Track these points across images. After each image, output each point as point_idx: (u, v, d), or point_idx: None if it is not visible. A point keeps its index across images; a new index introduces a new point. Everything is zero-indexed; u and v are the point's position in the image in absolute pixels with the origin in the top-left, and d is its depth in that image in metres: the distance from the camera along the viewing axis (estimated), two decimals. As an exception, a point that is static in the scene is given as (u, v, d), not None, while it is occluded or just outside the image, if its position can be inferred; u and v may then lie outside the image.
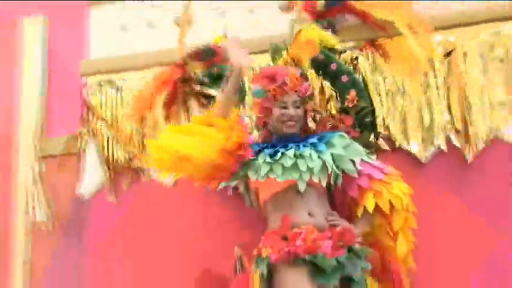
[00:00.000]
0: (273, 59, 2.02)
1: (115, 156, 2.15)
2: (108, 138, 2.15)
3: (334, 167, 1.69)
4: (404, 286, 1.75)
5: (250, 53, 1.74)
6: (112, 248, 2.11)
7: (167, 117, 2.10)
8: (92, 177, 2.14)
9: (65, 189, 2.21)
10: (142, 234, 2.09)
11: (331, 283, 1.57)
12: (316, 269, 1.58)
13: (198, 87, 2.10)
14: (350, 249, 1.63)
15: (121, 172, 2.15)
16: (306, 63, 1.95)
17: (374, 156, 1.87)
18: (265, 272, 1.61)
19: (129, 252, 2.09)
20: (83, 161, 2.18)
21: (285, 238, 1.62)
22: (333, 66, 1.98)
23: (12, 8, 2.49)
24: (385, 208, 1.70)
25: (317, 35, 1.99)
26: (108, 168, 2.14)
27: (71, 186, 2.19)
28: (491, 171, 1.96)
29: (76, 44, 2.33)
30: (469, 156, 1.95)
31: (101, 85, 2.20)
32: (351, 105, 1.94)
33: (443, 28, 2.06)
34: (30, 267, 2.17)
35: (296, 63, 1.96)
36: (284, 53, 2.00)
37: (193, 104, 2.11)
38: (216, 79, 2.02)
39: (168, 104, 2.11)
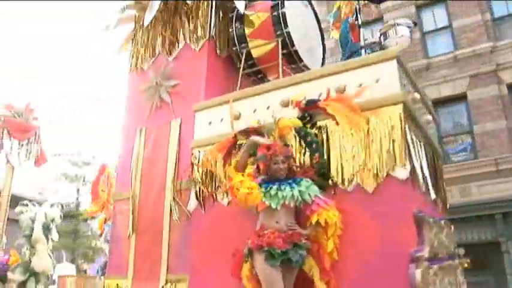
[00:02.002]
0: (268, 136, 3.72)
1: (203, 190, 4.14)
2: (199, 181, 4.16)
3: (298, 197, 3.25)
4: (326, 264, 3.20)
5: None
6: (202, 231, 4.02)
7: (224, 164, 3.96)
8: (193, 201, 4.19)
9: (184, 206, 4.32)
10: (214, 225, 3.97)
11: (276, 264, 3.06)
12: (270, 255, 3.07)
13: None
14: (296, 244, 3.13)
15: (206, 198, 4.12)
16: (288, 138, 3.61)
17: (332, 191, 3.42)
18: (247, 252, 3.21)
19: (208, 233, 3.95)
20: (191, 193, 4.25)
21: (259, 235, 3.20)
22: (309, 139, 3.60)
23: (169, 114, 4.82)
24: (323, 223, 3.18)
25: (289, 121, 3.64)
26: (198, 196, 4.15)
27: (185, 205, 4.29)
28: (386, 197, 3.29)
29: (190, 131, 4.45)
30: (370, 188, 3.33)
31: (198, 152, 4.26)
32: (315, 162, 3.52)
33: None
34: (169, 238, 4.32)
35: (281, 138, 3.65)
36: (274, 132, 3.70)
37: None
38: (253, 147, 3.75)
39: (226, 157, 3.93)
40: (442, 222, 3.79)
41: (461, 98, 12.51)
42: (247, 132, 3.83)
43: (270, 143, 3.46)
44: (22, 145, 7.26)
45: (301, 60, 4.76)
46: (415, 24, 4.80)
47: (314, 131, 3.63)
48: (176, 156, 4.53)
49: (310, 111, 3.66)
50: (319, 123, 3.61)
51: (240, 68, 4.83)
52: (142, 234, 4.51)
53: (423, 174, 3.60)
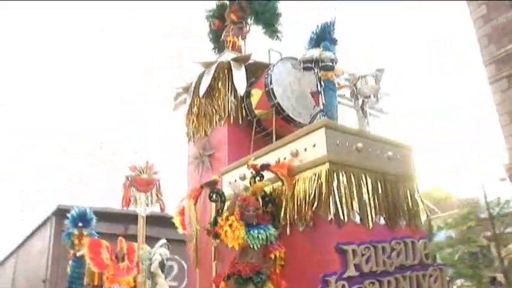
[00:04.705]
0: (245, 191, 5.17)
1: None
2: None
3: (265, 240, 4.79)
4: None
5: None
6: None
7: (195, 205, 5.49)
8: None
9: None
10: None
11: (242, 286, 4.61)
12: (238, 280, 4.60)
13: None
14: (258, 272, 4.66)
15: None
16: (258, 195, 5.09)
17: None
18: (226, 275, 4.79)
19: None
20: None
21: (233, 265, 4.75)
22: (263, 193, 5.04)
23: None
24: (277, 257, 4.72)
25: (260, 184, 5.10)
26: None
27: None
28: (320, 234, 4.53)
29: (220, 189, 6.14)
30: (311, 228, 4.61)
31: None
32: (269, 210, 4.96)
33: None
34: (215, 267, 6.08)
35: (254, 195, 5.11)
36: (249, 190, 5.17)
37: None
38: (215, 193, 5.32)
39: (195, 202, 5.48)
40: (393, 242, 4.79)
41: None
42: (211, 184, 5.39)
43: (247, 196, 4.97)
44: (147, 196, 9.71)
45: (294, 120, 6.10)
46: (381, 70, 5.75)
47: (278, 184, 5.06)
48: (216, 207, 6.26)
49: (262, 172, 5.09)
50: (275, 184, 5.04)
51: (256, 132, 6.40)
52: (202, 265, 6.34)
53: (365, 209, 4.72)
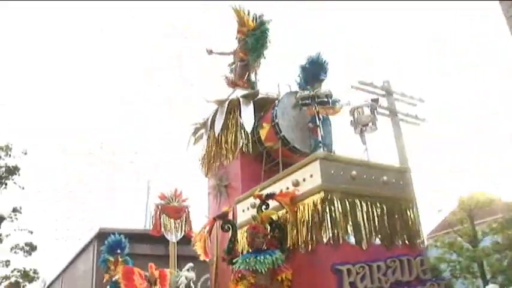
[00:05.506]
0: (254, 220, 5.75)
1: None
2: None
3: (275, 262, 5.34)
4: None
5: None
6: None
7: (209, 236, 6.09)
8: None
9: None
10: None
11: None
12: None
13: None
14: None
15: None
16: (265, 223, 5.66)
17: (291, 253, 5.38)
18: None
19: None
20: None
21: None
22: (270, 220, 5.60)
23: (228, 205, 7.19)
24: (284, 279, 5.22)
25: (268, 213, 5.67)
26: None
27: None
28: (318, 256, 5.04)
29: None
30: (312, 250, 5.13)
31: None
32: (276, 235, 5.51)
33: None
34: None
35: (262, 222, 5.67)
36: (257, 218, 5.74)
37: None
38: (227, 223, 5.89)
39: (209, 233, 6.10)
40: (388, 261, 5.22)
41: None
42: (222, 216, 5.98)
43: (256, 224, 5.54)
44: (177, 224, 10.37)
45: (300, 151, 6.65)
46: (376, 100, 6.28)
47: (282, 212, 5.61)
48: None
49: (267, 201, 5.65)
50: (280, 212, 5.58)
51: (267, 162, 6.99)
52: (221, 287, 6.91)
53: (360, 232, 5.20)
